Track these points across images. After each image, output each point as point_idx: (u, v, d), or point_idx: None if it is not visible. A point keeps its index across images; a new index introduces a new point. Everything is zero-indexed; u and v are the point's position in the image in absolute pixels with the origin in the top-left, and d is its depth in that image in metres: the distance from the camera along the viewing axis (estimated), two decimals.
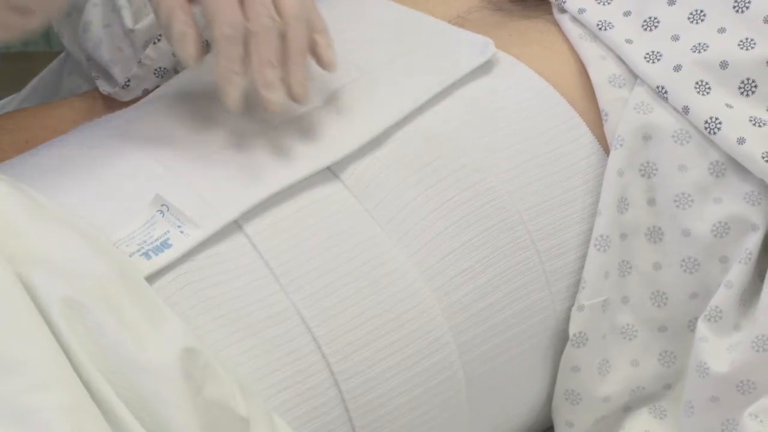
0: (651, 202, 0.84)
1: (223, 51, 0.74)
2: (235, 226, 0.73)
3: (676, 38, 0.85)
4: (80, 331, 0.63)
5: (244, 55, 0.74)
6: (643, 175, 0.83)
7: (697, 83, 0.83)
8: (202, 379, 0.65)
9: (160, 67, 0.92)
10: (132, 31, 0.92)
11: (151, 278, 0.71)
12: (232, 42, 0.74)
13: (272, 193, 0.75)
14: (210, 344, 0.70)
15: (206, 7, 0.75)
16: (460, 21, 0.91)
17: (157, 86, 0.91)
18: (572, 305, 0.82)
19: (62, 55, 1.03)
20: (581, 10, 0.88)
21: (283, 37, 0.75)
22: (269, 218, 0.74)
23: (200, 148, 0.77)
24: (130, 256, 0.71)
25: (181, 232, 0.72)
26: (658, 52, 0.84)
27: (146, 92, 0.93)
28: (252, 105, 0.77)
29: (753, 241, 0.81)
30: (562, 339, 0.83)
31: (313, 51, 0.78)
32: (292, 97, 0.76)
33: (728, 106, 0.82)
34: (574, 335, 0.82)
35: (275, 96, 0.75)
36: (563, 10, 0.89)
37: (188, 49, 0.75)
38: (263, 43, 0.74)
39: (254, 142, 0.77)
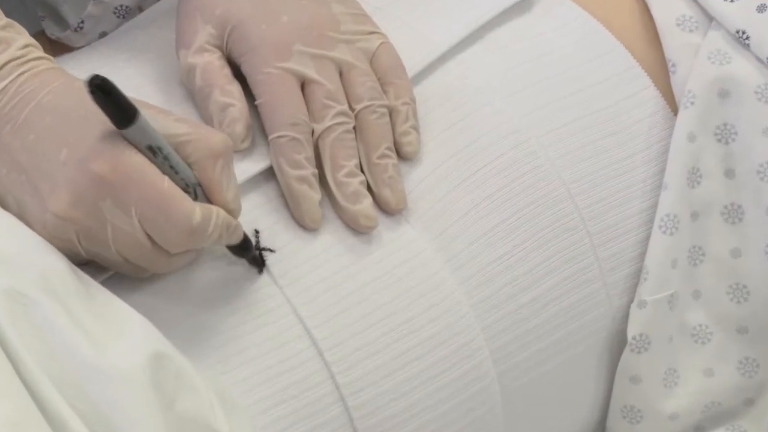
0: (729, 173, 0.84)
1: (285, 157, 0.74)
2: None
3: None
4: (25, 330, 0.63)
5: (311, 156, 0.74)
6: (719, 141, 0.83)
7: None
8: (174, 390, 0.65)
9: (121, 6, 0.91)
10: None
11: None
12: (296, 146, 0.74)
13: (259, 170, 0.75)
14: (186, 350, 0.69)
15: (260, 97, 0.75)
16: None
17: (118, 28, 0.91)
18: (632, 300, 0.82)
19: None
20: None
21: (358, 129, 0.76)
22: (257, 198, 0.74)
23: (175, 107, 0.77)
24: None
25: None
26: None
27: (103, 36, 0.92)
28: None
29: None
30: (619, 342, 0.83)
31: (397, 145, 0.77)
32: (383, 205, 0.75)
33: None
34: (634, 338, 0.82)
35: (364, 207, 0.74)
36: None
37: (236, 128, 0.74)
38: (337, 146, 0.74)
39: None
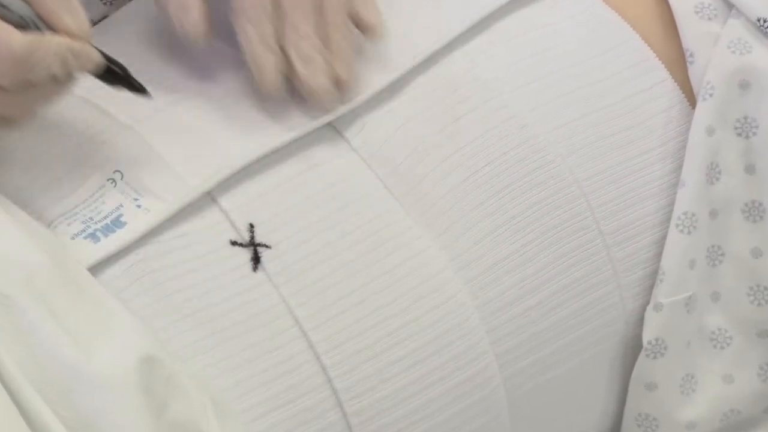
0: (749, 169, 0.84)
1: (250, 22, 0.75)
2: (209, 199, 0.73)
3: None
4: (8, 333, 0.63)
5: (275, 32, 0.75)
6: (739, 135, 0.83)
7: None
8: (165, 395, 0.65)
9: None
10: None
11: (100, 267, 0.71)
12: (260, 12, 0.75)
13: (256, 157, 0.75)
14: (175, 352, 0.70)
15: None
16: None
17: (105, 17, 0.90)
18: (647, 303, 0.82)
19: None
20: None
21: (318, 7, 0.76)
22: (252, 189, 0.74)
23: (164, 96, 0.76)
24: (72, 238, 0.71)
25: (138, 206, 0.72)
26: None
27: (91, 25, 0.89)
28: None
29: None
30: (633, 347, 0.83)
31: (355, 17, 0.78)
32: (336, 81, 0.76)
33: None
34: (650, 342, 0.82)
35: (317, 79, 0.75)
36: None
37: (191, 17, 0.74)
38: (297, 14, 0.75)
39: (232, 89, 0.78)
